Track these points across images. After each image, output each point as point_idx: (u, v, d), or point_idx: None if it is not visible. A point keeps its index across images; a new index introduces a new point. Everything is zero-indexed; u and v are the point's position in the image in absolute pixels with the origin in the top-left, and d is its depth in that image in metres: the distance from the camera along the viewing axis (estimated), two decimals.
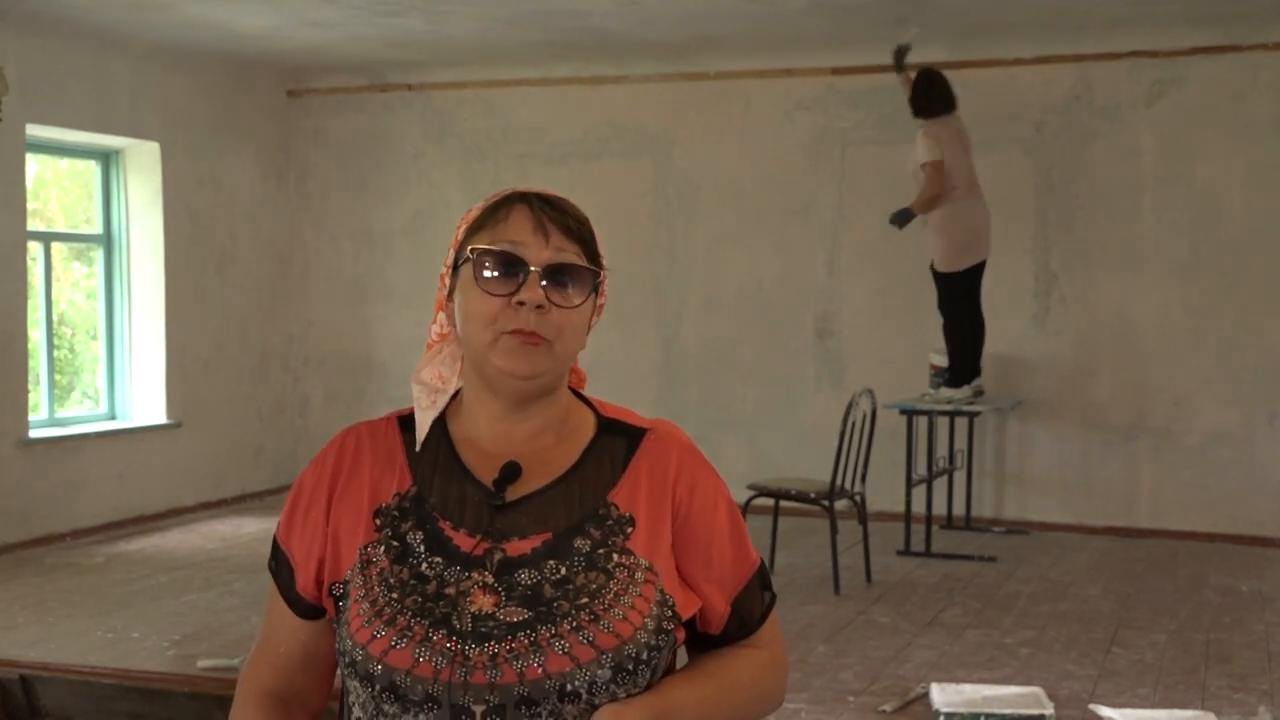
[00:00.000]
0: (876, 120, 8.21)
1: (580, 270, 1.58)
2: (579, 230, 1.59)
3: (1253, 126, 7.59)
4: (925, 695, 4.67)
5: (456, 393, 1.67)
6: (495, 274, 1.55)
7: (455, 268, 1.61)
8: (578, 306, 1.57)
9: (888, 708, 4.65)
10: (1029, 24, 7.52)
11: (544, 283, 1.55)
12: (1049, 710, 4.28)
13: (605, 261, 1.63)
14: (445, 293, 1.63)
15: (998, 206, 7.55)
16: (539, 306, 1.54)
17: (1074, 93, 7.89)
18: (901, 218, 7.29)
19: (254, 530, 7.97)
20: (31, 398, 7.67)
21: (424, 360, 1.68)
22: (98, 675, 2.55)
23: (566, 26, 7.57)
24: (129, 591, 6.48)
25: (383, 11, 7.22)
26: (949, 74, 7.46)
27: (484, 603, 1.51)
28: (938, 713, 4.32)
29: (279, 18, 7.38)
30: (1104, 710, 4.49)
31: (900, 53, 7.49)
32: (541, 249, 1.56)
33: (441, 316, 1.66)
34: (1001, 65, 7.92)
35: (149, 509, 8.26)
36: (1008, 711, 4.28)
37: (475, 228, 1.59)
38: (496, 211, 1.59)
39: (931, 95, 7.24)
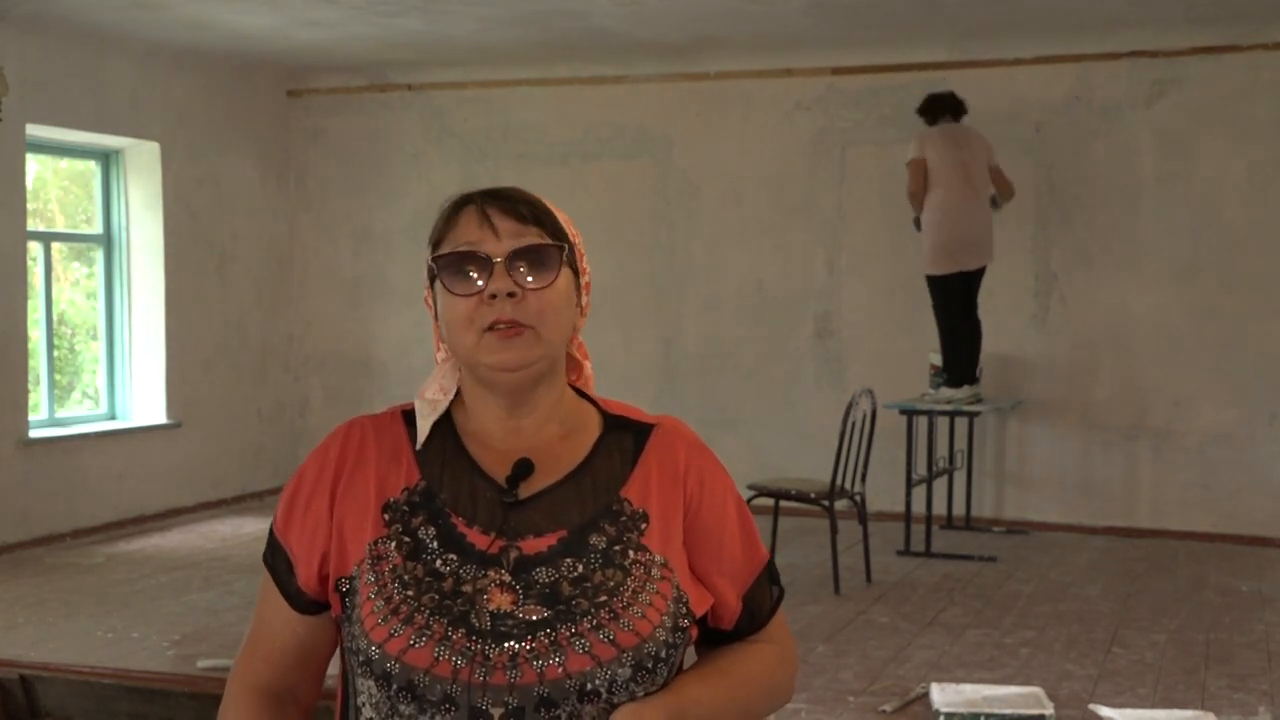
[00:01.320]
0: (876, 120, 8.21)
1: (543, 249, 1.57)
2: (532, 213, 1.58)
3: (1253, 126, 7.59)
4: (925, 695, 4.67)
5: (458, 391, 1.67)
6: (460, 276, 1.56)
7: (432, 286, 1.62)
8: (552, 285, 1.56)
9: (888, 708, 4.65)
10: (1029, 24, 7.52)
11: (510, 270, 1.54)
12: (1049, 710, 4.28)
13: (576, 241, 1.63)
14: (433, 314, 1.64)
15: None
16: (510, 294, 1.54)
17: (1074, 93, 7.89)
18: (917, 223, 7.51)
19: (254, 530, 7.97)
20: (31, 398, 7.67)
21: (429, 380, 1.68)
22: (98, 675, 2.55)
23: (566, 26, 7.57)
24: (129, 591, 6.48)
25: (383, 11, 7.22)
26: (948, 74, 7.51)
27: (502, 601, 1.50)
28: (938, 713, 4.32)
29: (279, 18, 7.38)
30: (1104, 710, 4.49)
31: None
32: (497, 241, 1.55)
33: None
34: (1001, 65, 7.92)
35: (149, 509, 8.26)
36: (1008, 711, 4.28)
37: (435, 241, 1.60)
38: (448, 220, 1.60)
39: (930, 102, 7.46)
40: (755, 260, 8.49)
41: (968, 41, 7.84)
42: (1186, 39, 7.60)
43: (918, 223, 7.42)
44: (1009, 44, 7.85)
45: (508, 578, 1.52)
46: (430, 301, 1.63)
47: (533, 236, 1.57)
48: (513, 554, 1.54)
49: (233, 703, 1.63)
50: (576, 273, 1.62)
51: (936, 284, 7.38)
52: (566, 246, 1.59)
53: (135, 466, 8.19)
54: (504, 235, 1.56)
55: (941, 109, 7.38)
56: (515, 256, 1.55)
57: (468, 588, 1.51)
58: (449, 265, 1.57)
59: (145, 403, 8.43)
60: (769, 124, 8.43)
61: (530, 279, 1.55)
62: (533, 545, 1.54)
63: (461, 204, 1.60)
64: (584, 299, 1.65)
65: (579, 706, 1.47)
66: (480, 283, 1.55)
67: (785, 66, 8.32)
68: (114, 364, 8.41)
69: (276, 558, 1.63)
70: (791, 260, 8.44)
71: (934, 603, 6.25)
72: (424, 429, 1.62)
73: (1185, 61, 7.67)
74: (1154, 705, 4.73)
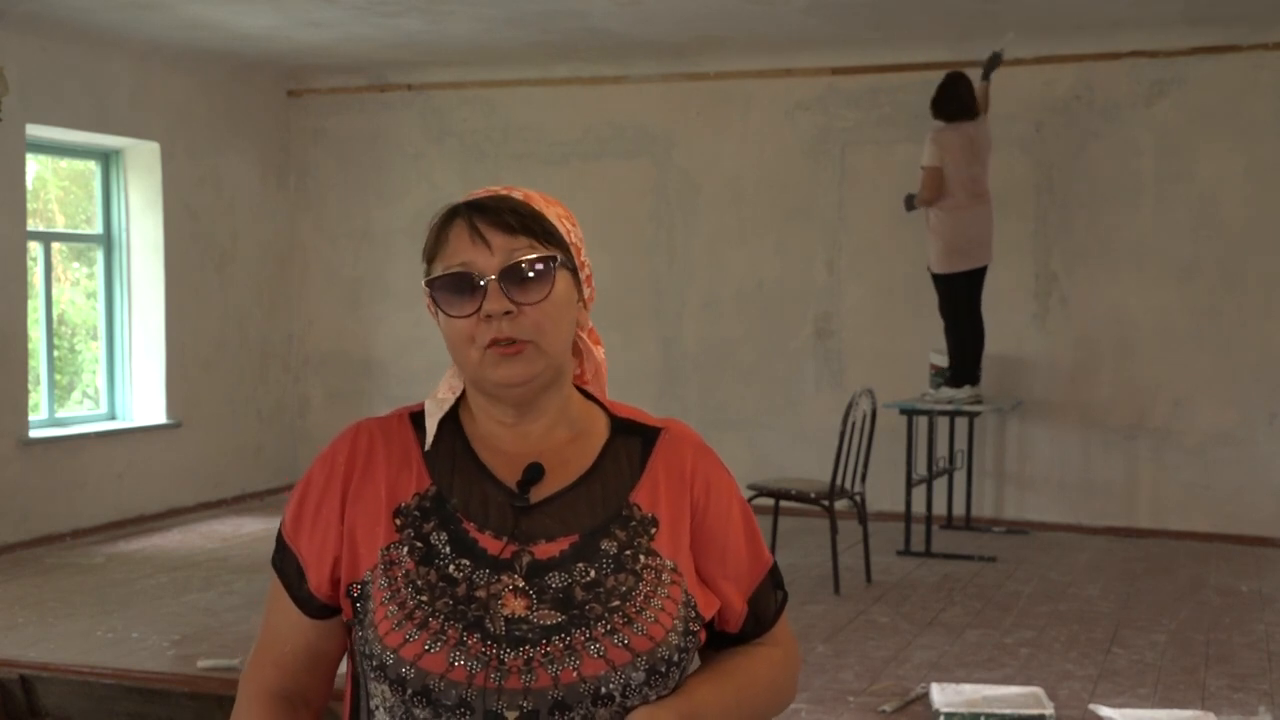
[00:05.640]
0: (876, 120, 8.21)
1: (533, 262, 1.55)
2: (521, 223, 1.56)
3: (1253, 126, 7.59)
4: (925, 695, 4.67)
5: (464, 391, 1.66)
6: (455, 297, 1.55)
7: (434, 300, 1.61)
8: (548, 296, 1.55)
9: (888, 708, 4.65)
10: (1029, 24, 7.52)
11: (503, 288, 1.53)
12: (1049, 710, 4.28)
13: (571, 236, 1.60)
14: (438, 321, 1.63)
15: (998, 206, 7.54)
16: (506, 313, 1.53)
17: (1074, 93, 7.89)
18: (908, 203, 7.42)
19: (254, 530, 7.97)
20: (31, 398, 7.67)
21: (441, 382, 1.67)
22: (98, 675, 2.55)
23: (566, 26, 7.57)
24: (129, 591, 6.48)
25: (383, 11, 7.22)
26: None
27: (516, 606, 1.51)
28: (938, 713, 4.33)
29: (279, 18, 7.38)
30: (1104, 710, 4.49)
31: (992, 61, 7.42)
32: (488, 257, 1.54)
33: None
34: (1002, 65, 7.91)
35: (149, 509, 8.26)
36: (1008, 711, 4.29)
37: (429, 256, 1.60)
38: (439, 235, 1.59)
39: (949, 98, 7.26)
40: (755, 260, 8.49)
41: (968, 41, 7.83)
42: (1186, 39, 7.60)
43: (909, 201, 7.38)
44: (1009, 44, 7.84)
45: (521, 583, 1.52)
46: (431, 308, 1.63)
47: (523, 247, 1.55)
48: (525, 559, 1.54)
49: (245, 708, 1.63)
50: (575, 269, 1.61)
51: (945, 282, 7.36)
52: (559, 253, 1.57)
53: (135, 466, 8.19)
54: (495, 250, 1.54)
55: (959, 110, 7.26)
56: (507, 274, 1.54)
57: (481, 593, 1.51)
58: (443, 287, 1.56)
59: (145, 403, 8.43)
60: (769, 124, 8.43)
61: (525, 294, 1.54)
62: (545, 550, 1.54)
63: (449, 218, 1.58)
64: (587, 291, 1.64)
65: (593, 710, 1.48)
66: (475, 304, 1.54)
67: (785, 66, 8.32)
68: (114, 364, 8.41)
69: (286, 563, 1.62)
70: (791, 260, 8.44)
71: (934, 603, 6.25)
72: (431, 427, 1.62)
73: (1185, 61, 7.67)
74: (1154, 705, 4.73)
